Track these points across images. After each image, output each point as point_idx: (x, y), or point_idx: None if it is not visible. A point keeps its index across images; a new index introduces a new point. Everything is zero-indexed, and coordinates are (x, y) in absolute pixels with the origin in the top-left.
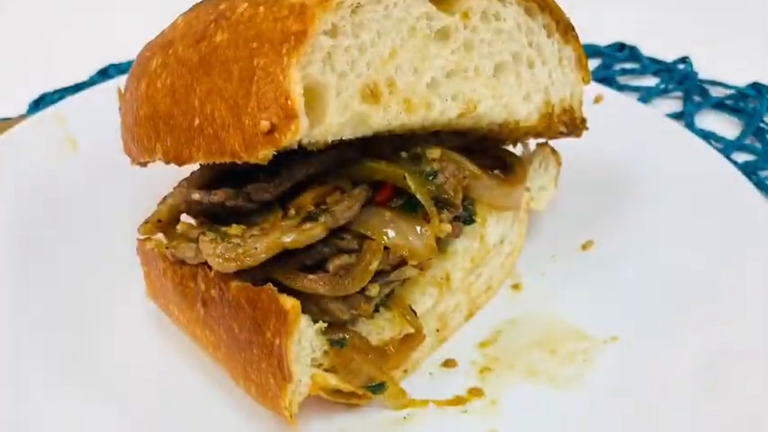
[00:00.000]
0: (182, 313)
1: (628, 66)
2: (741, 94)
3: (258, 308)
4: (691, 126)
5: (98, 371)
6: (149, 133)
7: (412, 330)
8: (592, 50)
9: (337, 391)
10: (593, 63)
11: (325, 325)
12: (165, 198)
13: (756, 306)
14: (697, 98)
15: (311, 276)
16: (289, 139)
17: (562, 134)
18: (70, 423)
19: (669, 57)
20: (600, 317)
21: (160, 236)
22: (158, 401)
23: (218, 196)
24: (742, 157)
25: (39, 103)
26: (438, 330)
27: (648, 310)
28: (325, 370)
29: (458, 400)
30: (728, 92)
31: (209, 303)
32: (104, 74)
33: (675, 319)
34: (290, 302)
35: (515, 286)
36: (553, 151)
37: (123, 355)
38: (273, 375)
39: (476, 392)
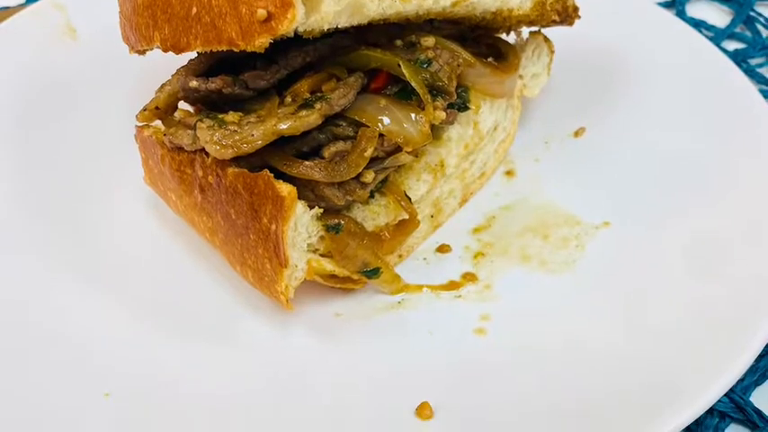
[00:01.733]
0: (179, 199)
1: None
2: None
3: (255, 194)
4: (682, 14)
5: (97, 255)
6: (147, 22)
7: (406, 216)
8: None
9: (333, 276)
10: None
11: (321, 211)
12: (162, 86)
13: (743, 192)
14: None
15: (307, 163)
16: (285, 27)
17: (555, 22)
18: (70, 306)
19: None
20: (591, 203)
21: (158, 123)
22: (156, 285)
23: (215, 84)
24: (732, 46)
25: None
26: (432, 216)
27: (639, 195)
28: (321, 255)
29: (452, 285)
30: None
31: (207, 190)
32: None
33: (665, 204)
34: (286, 189)
35: (509, 173)
36: (546, 39)
37: (122, 239)
38: (270, 261)
39: (470, 277)
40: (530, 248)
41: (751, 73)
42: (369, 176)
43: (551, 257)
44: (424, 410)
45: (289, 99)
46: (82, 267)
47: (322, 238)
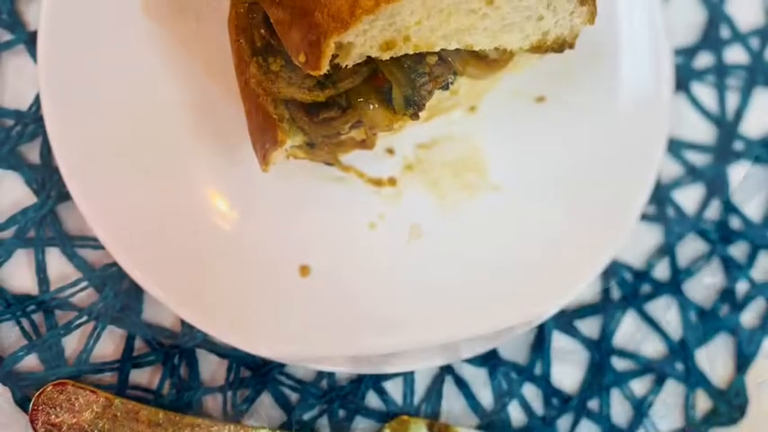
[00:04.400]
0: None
1: None
2: None
3: (268, 119)
4: None
5: None
6: None
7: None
8: None
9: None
10: None
11: (305, 140)
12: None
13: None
14: None
15: (305, 118)
16: (322, 69)
17: (552, 50)
18: None
19: None
20: (504, 164)
21: None
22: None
23: (273, 40)
24: None
25: None
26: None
27: (543, 170)
28: (298, 148)
29: (377, 182)
30: None
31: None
32: None
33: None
34: (282, 137)
35: (472, 108)
36: None
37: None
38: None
39: (392, 181)
40: (442, 179)
41: None
42: (345, 129)
43: (449, 194)
44: (304, 270)
45: None
46: None
47: (300, 146)
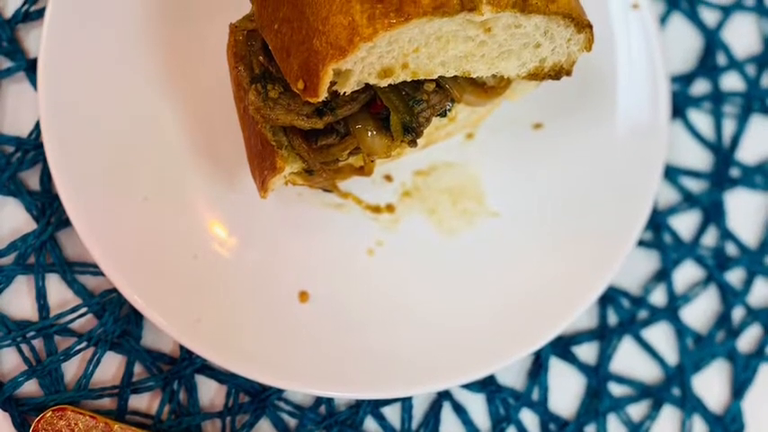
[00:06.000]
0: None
1: None
2: None
3: (266, 146)
4: None
5: None
6: None
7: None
8: None
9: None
10: None
11: (304, 167)
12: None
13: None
14: None
15: (303, 145)
16: (320, 97)
17: (543, 79)
18: None
19: None
20: (501, 191)
21: None
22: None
23: (273, 67)
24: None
25: None
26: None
27: (541, 198)
28: (296, 174)
29: (375, 208)
30: None
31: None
32: None
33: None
34: (281, 164)
35: (469, 135)
36: None
37: None
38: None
39: (390, 208)
40: (440, 206)
41: None
42: (343, 156)
43: (447, 221)
44: (303, 296)
45: None
46: None
47: (299, 173)
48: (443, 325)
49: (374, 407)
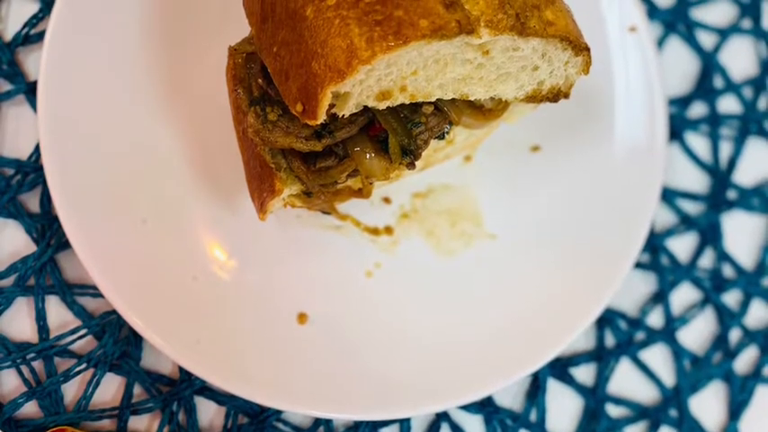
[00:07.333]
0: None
1: None
2: None
3: (264, 168)
4: None
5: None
6: None
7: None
8: None
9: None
10: None
11: (303, 189)
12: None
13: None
14: None
15: (302, 167)
16: (318, 120)
17: (541, 102)
18: None
19: None
20: (499, 213)
21: None
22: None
23: (272, 91)
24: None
25: None
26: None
27: (538, 220)
28: (294, 197)
29: (374, 230)
30: None
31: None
32: None
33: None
34: (279, 186)
35: (467, 157)
36: None
37: None
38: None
39: (389, 230)
40: (437, 228)
41: None
42: (342, 178)
43: (446, 243)
44: (302, 318)
45: None
46: None
47: (297, 195)
48: (441, 346)
49: (373, 428)
